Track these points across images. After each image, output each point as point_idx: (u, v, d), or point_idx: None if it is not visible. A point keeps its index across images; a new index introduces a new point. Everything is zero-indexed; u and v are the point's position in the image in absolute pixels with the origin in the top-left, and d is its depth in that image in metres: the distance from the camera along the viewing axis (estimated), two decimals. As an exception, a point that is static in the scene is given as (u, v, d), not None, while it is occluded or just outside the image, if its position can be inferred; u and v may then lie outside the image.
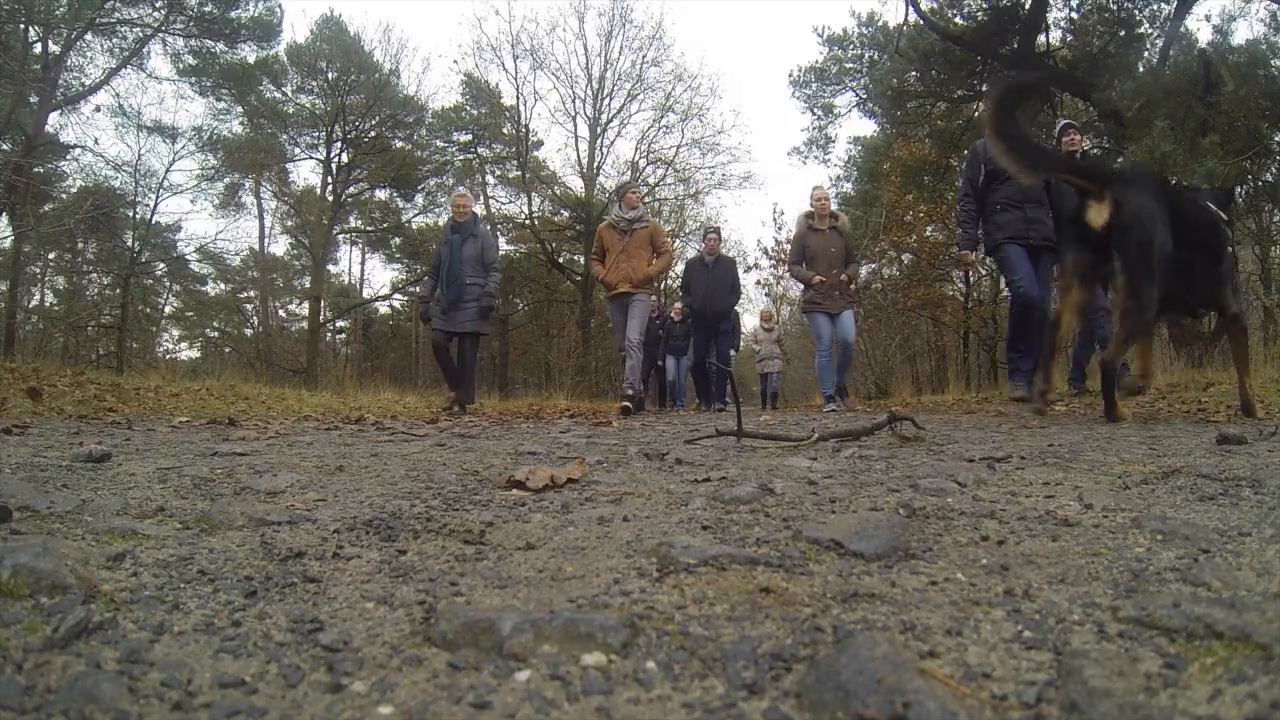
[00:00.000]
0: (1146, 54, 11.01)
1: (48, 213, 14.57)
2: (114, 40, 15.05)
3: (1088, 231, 2.79)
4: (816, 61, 16.90)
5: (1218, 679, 0.49)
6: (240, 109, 19.04)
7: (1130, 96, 9.25)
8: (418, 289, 6.22)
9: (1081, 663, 0.51)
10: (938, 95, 12.89)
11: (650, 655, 0.56)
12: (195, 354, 23.06)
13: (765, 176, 55.77)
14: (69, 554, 0.75)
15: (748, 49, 54.26)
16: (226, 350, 22.38)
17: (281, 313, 25.52)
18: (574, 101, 20.63)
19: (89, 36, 14.38)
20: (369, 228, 22.73)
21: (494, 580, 0.74)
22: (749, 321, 19.24)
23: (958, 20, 12.29)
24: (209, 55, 16.73)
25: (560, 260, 21.21)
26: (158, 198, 17.50)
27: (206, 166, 18.53)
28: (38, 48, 13.82)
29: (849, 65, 16.61)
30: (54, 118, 14.60)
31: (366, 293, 24.94)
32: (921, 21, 11.89)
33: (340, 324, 23.91)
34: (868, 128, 19.57)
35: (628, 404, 5.77)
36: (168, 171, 17.65)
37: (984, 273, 17.54)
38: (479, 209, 23.45)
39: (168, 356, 19.30)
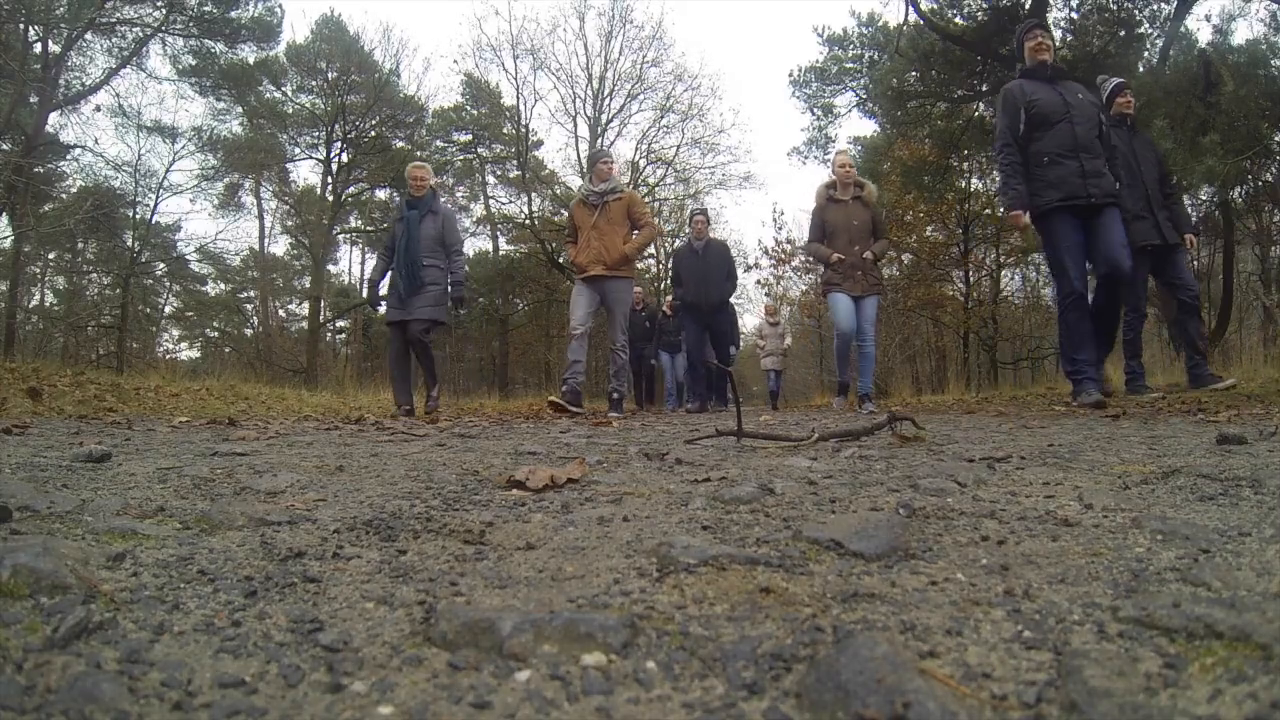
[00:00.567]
0: (1146, 54, 11.01)
1: (48, 213, 14.58)
2: (114, 40, 15.07)
3: None
4: (816, 61, 16.93)
5: (1218, 679, 0.49)
6: (240, 109, 19.07)
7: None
8: (372, 274, 5.78)
9: (1081, 663, 0.51)
10: (938, 95, 12.89)
11: (650, 655, 0.56)
12: (195, 354, 23.10)
13: (765, 176, 56.03)
14: (69, 554, 0.75)
15: (748, 49, 54.34)
16: (226, 350, 22.40)
17: (281, 313, 25.55)
18: (574, 101, 20.67)
19: (89, 36, 14.39)
20: (369, 228, 22.74)
21: (494, 580, 0.74)
22: (750, 321, 19.23)
23: (958, 20, 12.29)
24: (209, 55, 16.74)
25: (560, 260, 21.22)
26: (158, 198, 17.54)
27: (206, 166, 18.57)
28: (38, 47, 13.83)
29: (849, 65, 16.63)
30: (54, 118, 14.64)
31: (366, 292, 24.92)
32: (921, 21, 11.88)
33: (340, 324, 23.93)
34: (868, 128, 19.61)
35: (556, 400, 4.94)
36: (168, 171, 17.70)
37: (984, 272, 17.55)
38: (478, 207, 23.58)
39: (168, 356, 19.34)
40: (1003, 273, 17.94)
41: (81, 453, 1.68)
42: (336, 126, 19.81)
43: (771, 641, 0.57)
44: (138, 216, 17.64)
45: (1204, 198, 11.29)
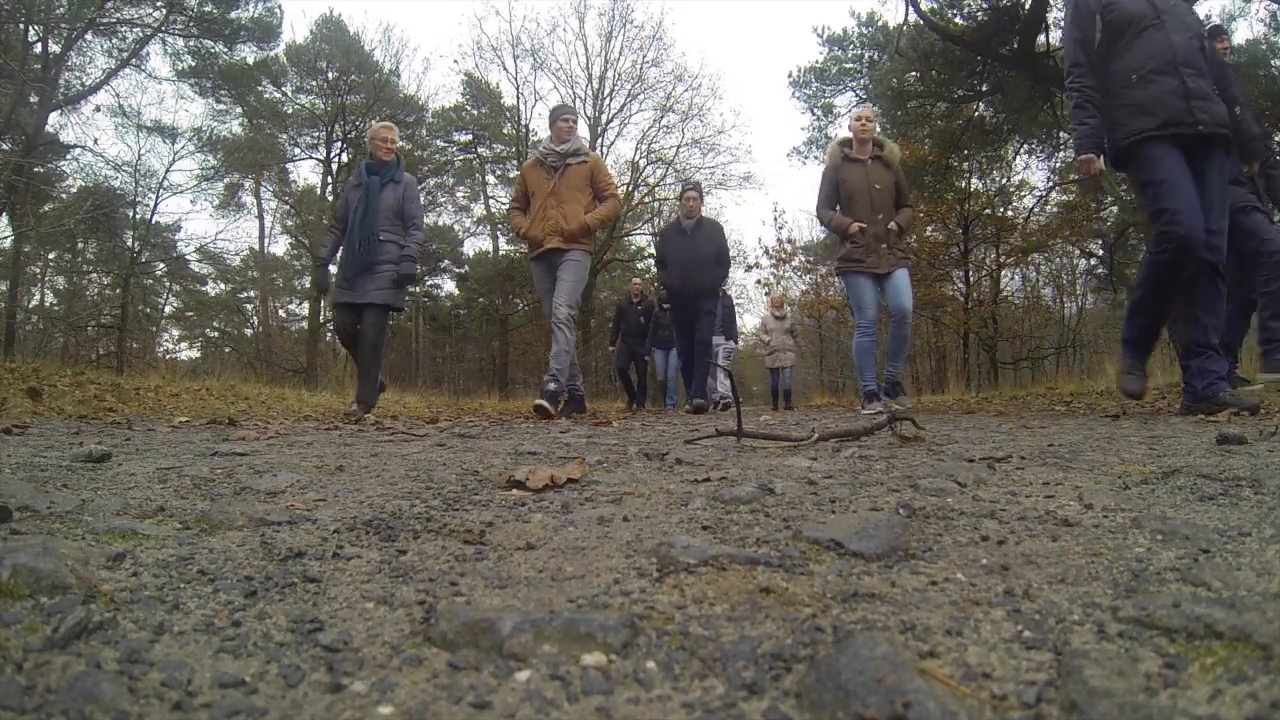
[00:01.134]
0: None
1: (48, 213, 14.59)
2: (114, 40, 15.10)
3: None
4: (816, 61, 16.97)
5: (1218, 679, 0.49)
6: (240, 109, 19.08)
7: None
8: (321, 252, 5.10)
9: (1081, 663, 0.51)
10: (938, 95, 12.92)
11: (650, 655, 0.56)
12: (195, 354, 23.10)
13: (765, 176, 55.97)
14: (69, 554, 0.75)
15: (748, 49, 54.31)
16: (226, 350, 22.41)
17: (281, 313, 25.56)
18: (574, 101, 20.66)
19: (89, 36, 14.42)
20: (369, 227, 22.68)
21: (494, 580, 0.74)
22: (750, 321, 19.19)
23: (958, 20, 12.31)
24: (209, 56, 16.76)
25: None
26: (158, 198, 17.57)
27: (206, 166, 18.59)
28: (38, 47, 13.85)
29: (849, 65, 16.66)
30: (54, 118, 14.66)
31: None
32: (921, 21, 11.90)
33: (340, 324, 23.86)
34: (867, 128, 19.55)
35: (543, 403, 4.30)
36: (168, 171, 17.73)
37: (984, 271, 17.56)
38: (478, 207, 23.58)
39: (168, 356, 19.36)
40: (1002, 273, 17.97)
41: (81, 453, 1.68)
42: (336, 126, 19.84)
43: (771, 641, 0.57)
44: (138, 216, 17.68)
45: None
